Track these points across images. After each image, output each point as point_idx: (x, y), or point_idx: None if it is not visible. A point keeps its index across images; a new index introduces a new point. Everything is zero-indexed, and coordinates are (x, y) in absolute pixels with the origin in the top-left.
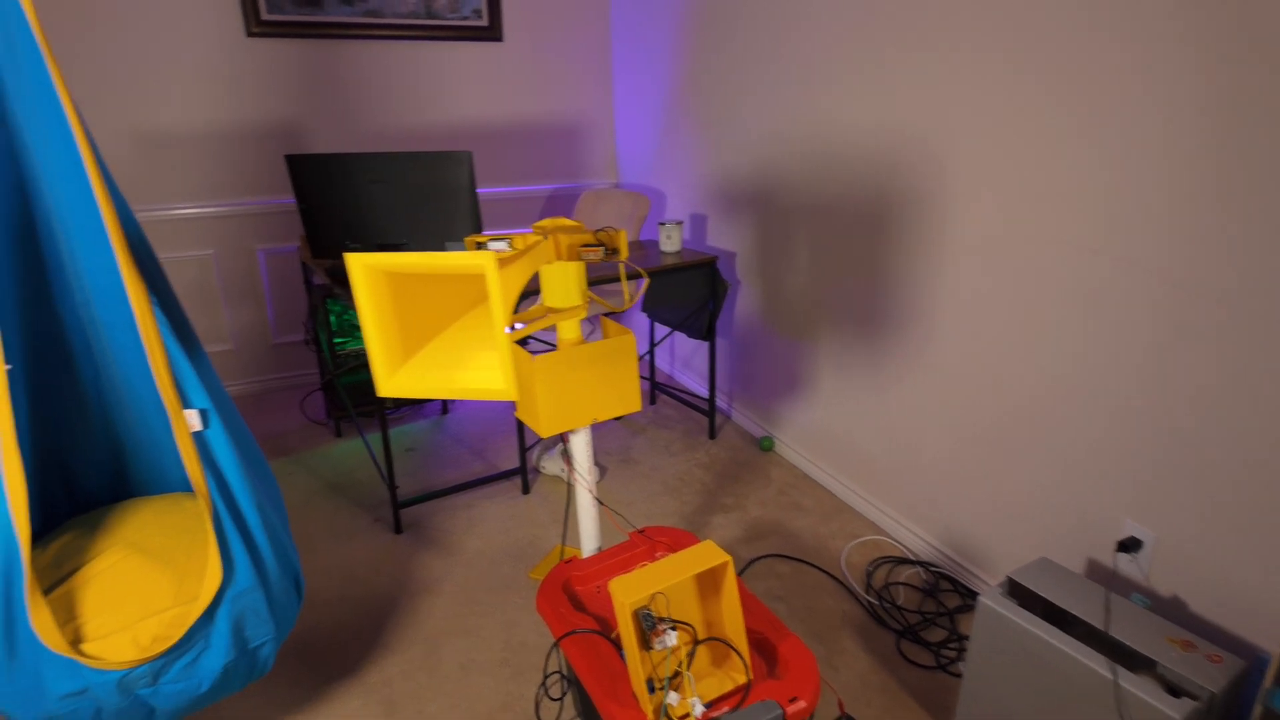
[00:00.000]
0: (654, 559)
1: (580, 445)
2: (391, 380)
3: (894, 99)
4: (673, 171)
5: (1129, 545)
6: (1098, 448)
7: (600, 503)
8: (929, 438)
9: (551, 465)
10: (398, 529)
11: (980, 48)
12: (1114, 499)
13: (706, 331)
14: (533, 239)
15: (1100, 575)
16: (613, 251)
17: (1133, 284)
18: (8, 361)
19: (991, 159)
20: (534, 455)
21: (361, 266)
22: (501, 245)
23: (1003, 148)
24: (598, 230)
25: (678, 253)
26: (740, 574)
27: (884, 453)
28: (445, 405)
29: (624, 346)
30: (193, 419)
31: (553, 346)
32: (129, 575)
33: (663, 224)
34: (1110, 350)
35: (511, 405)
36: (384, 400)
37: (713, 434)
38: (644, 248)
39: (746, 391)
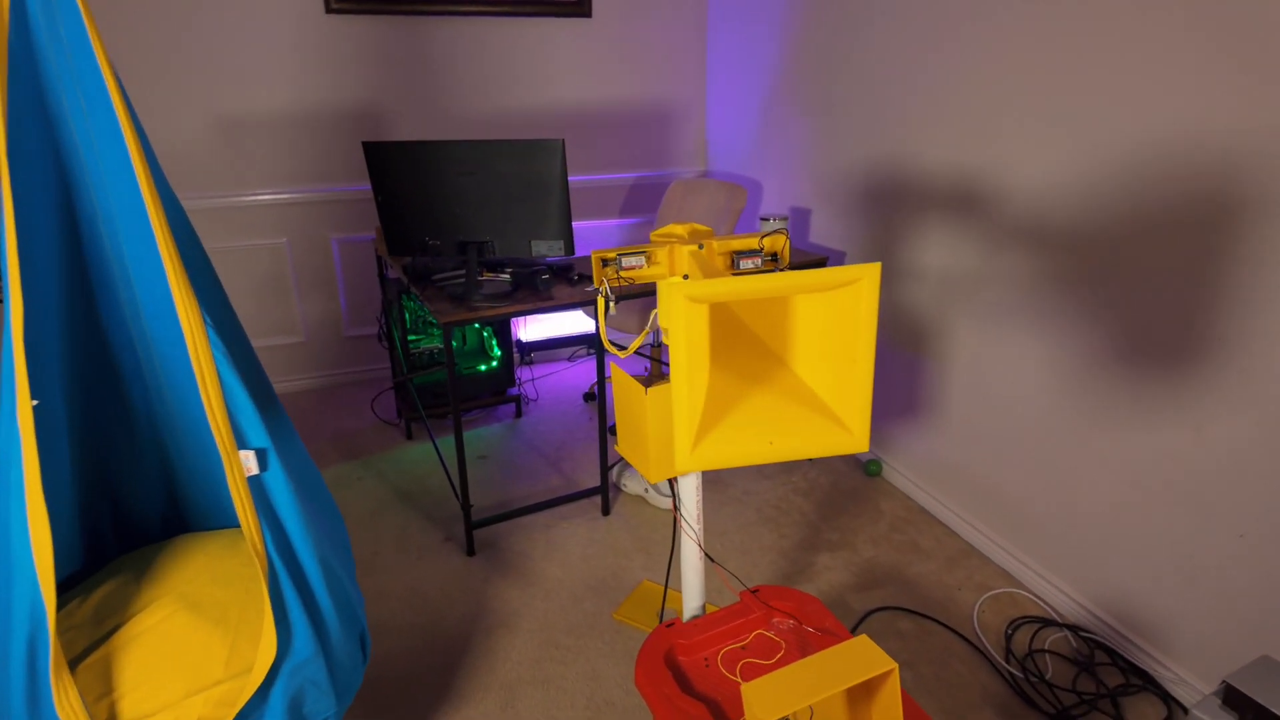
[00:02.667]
0: (769, 626)
1: (689, 491)
2: (695, 453)
3: (1110, 83)
4: (772, 161)
5: None
6: None
7: (710, 558)
8: (1102, 486)
9: (634, 484)
10: (470, 551)
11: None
12: None
13: None
14: (685, 250)
15: None
16: (772, 258)
17: None
18: (38, 394)
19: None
20: (614, 473)
21: (684, 299)
22: (637, 260)
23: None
24: (763, 235)
25: None
26: (854, 631)
27: (1024, 493)
28: (519, 408)
29: None
30: (249, 461)
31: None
32: (176, 636)
33: (764, 219)
34: None
35: (591, 412)
36: (458, 403)
37: None
38: None
39: None
